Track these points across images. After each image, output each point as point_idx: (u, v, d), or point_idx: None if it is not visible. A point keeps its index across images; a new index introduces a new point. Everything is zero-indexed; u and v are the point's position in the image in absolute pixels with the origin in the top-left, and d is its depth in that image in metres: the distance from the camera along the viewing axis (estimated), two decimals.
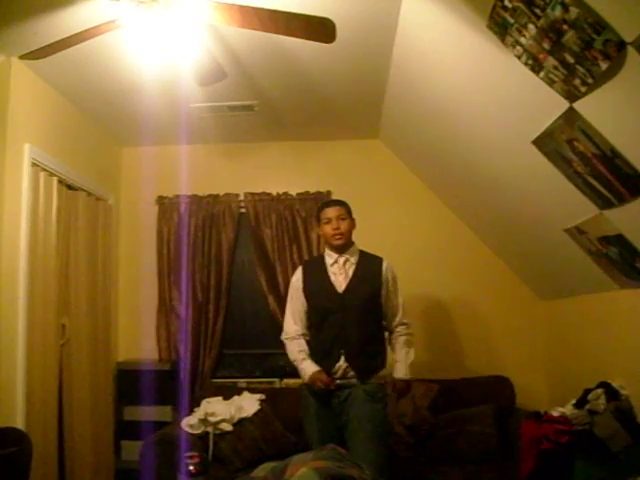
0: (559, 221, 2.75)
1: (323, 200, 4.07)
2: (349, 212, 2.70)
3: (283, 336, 2.73)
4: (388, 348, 2.67)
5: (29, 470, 2.32)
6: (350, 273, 2.60)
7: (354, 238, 2.71)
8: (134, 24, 2.11)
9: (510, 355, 3.87)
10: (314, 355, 2.59)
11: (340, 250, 2.64)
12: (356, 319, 2.52)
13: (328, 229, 2.63)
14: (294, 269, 3.99)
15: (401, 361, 2.61)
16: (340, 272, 2.61)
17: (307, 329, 2.67)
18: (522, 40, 1.89)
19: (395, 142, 4.08)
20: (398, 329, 2.65)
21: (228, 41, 2.72)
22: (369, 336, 2.55)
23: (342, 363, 2.49)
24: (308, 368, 2.55)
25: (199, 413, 3.20)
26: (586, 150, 2.08)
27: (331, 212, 2.65)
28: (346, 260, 2.63)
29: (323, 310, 2.59)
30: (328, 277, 2.61)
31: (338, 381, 2.49)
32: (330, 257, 2.67)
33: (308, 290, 2.66)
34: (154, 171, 4.11)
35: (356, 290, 2.56)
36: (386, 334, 2.69)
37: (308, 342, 2.65)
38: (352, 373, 2.49)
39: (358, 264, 2.63)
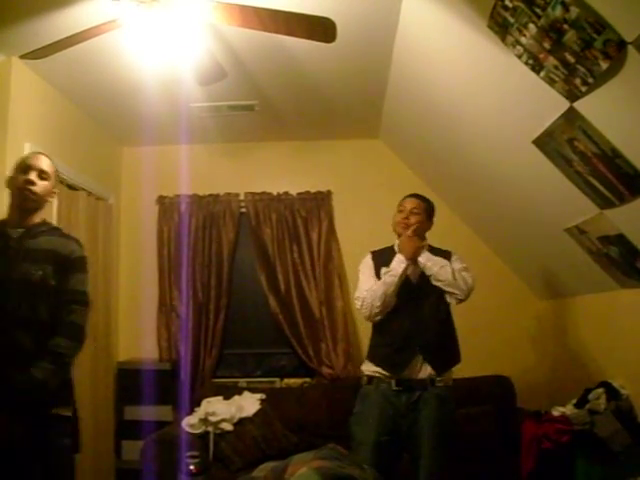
0: (559, 220, 2.75)
1: (324, 200, 4.11)
2: (426, 210, 2.58)
3: (359, 295, 2.48)
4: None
5: None
6: None
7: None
8: (134, 24, 2.11)
9: (510, 355, 3.86)
10: (384, 347, 2.45)
11: None
12: (430, 311, 2.42)
13: (398, 217, 2.57)
14: (294, 269, 4.04)
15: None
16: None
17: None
18: (522, 40, 1.89)
19: (395, 142, 4.08)
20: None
21: (228, 41, 2.72)
22: (443, 329, 2.45)
23: (418, 360, 2.37)
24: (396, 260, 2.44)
25: (199, 413, 3.20)
26: (586, 150, 2.08)
27: (408, 202, 2.58)
28: None
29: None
30: None
31: (411, 381, 2.36)
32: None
33: (379, 277, 2.51)
34: (154, 171, 4.10)
35: (429, 282, 2.44)
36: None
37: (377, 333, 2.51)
38: (430, 371, 2.37)
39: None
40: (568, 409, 2.67)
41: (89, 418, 3.33)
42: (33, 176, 2.09)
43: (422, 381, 2.37)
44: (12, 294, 1.99)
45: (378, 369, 2.43)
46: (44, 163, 2.15)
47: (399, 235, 2.56)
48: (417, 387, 2.37)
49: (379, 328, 2.51)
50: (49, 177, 2.16)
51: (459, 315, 3.92)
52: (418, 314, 2.43)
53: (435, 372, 2.38)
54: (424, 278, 2.46)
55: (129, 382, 3.66)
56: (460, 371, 3.69)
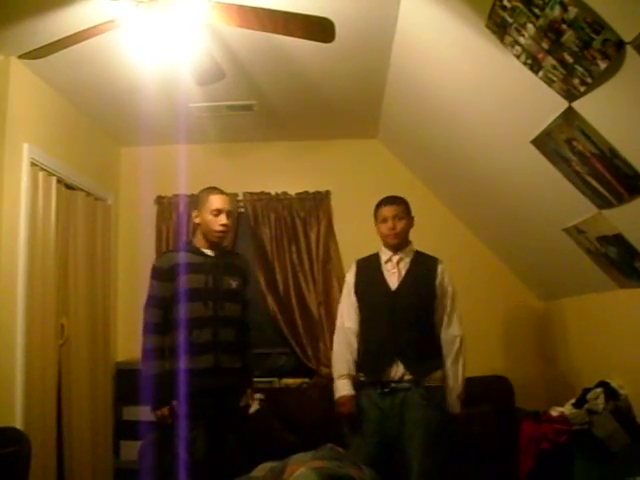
0: (558, 220, 2.75)
1: (322, 200, 4.11)
2: (406, 211, 2.62)
3: (337, 328, 2.66)
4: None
5: (28, 470, 2.32)
6: (403, 272, 2.54)
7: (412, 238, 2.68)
8: (133, 24, 2.10)
9: (510, 355, 3.87)
10: (365, 354, 2.53)
11: (395, 248, 2.58)
12: (408, 319, 2.45)
13: (384, 229, 2.57)
14: (293, 269, 4.04)
15: (452, 387, 2.53)
16: (393, 270, 2.55)
17: (358, 323, 2.60)
18: (521, 40, 1.89)
19: (394, 142, 4.08)
20: (448, 343, 2.57)
21: (227, 41, 2.72)
22: (422, 337, 2.48)
23: (397, 365, 2.41)
24: (342, 388, 2.51)
25: None
26: (585, 150, 2.08)
27: (387, 211, 2.58)
28: (400, 259, 2.57)
29: (375, 307, 2.54)
30: (382, 274, 2.56)
31: (393, 384, 2.41)
32: (385, 255, 2.61)
33: (361, 288, 2.61)
34: (153, 171, 4.10)
35: (409, 289, 2.50)
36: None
37: (358, 336, 2.58)
38: (408, 376, 2.40)
39: (412, 263, 2.57)
40: (566, 409, 2.67)
41: (87, 418, 3.34)
42: (224, 219, 2.62)
43: (405, 383, 2.41)
44: (219, 299, 2.58)
45: (361, 374, 2.52)
46: (231, 205, 2.77)
47: (388, 245, 2.60)
48: (400, 389, 2.40)
49: (362, 336, 2.59)
50: (232, 215, 2.81)
51: None
52: (395, 321, 2.46)
53: (414, 377, 2.41)
54: (403, 285, 2.51)
55: (127, 382, 3.64)
56: None
